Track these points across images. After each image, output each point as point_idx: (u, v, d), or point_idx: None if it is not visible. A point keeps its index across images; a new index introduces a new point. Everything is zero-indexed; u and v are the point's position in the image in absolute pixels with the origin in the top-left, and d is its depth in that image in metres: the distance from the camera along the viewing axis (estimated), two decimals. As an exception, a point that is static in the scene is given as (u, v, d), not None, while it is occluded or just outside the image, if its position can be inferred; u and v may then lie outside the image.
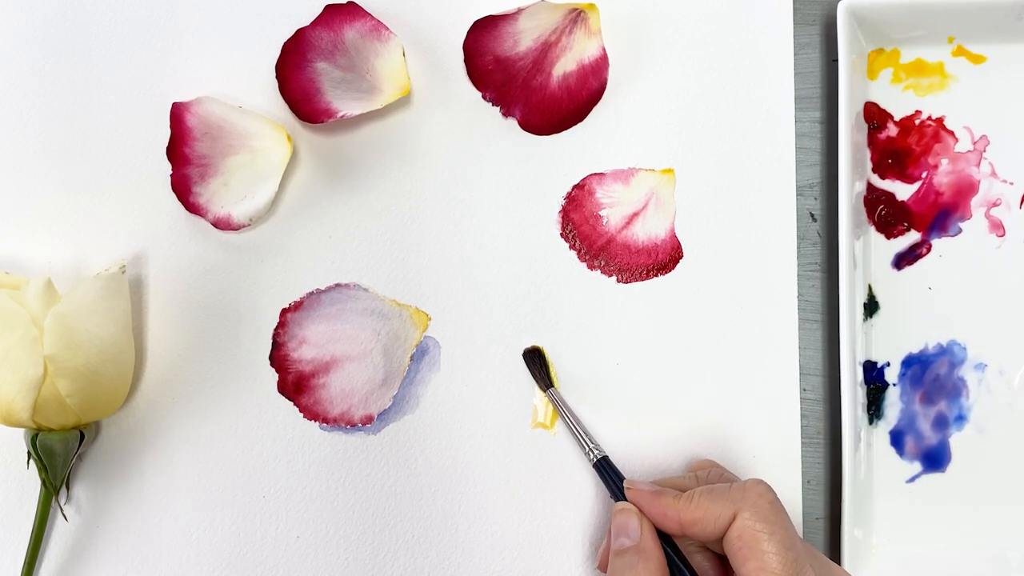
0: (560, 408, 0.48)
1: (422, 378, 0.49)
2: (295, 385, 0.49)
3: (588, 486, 0.49)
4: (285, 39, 0.49)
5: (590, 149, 0.50)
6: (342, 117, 0.48)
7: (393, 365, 0.49)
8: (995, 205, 0.50)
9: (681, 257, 0.50)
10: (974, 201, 0.50)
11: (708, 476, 0.44)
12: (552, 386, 0.48)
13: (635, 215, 0.50)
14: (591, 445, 0.46)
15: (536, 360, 0.49)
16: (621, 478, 0.45)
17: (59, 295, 0.45)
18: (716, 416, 0.49)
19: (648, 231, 0.50)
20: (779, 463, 0.49)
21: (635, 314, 0.49)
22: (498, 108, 0.50)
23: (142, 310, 0.49)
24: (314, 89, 0.49)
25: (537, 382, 0.49)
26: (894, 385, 0.50)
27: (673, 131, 0.50)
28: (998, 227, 0.50)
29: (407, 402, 0.49)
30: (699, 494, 0.41)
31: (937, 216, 0.50)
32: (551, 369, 0.49)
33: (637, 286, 0.50)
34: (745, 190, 0.50)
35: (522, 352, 0.49)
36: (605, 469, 0.46)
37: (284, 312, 0.49)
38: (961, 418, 0.50)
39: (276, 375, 0.49)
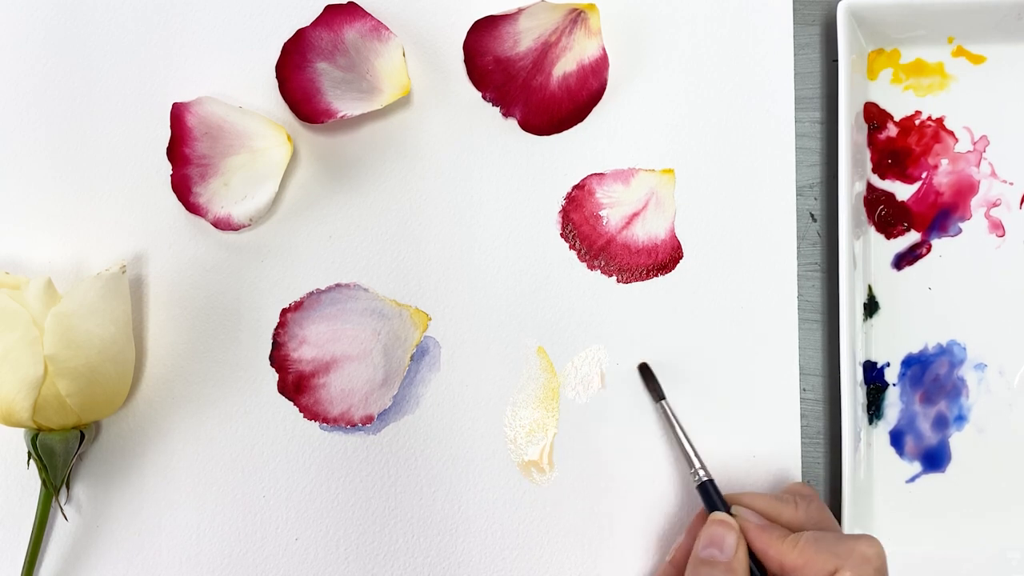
0: (674, 422, 0.47)
1: (422, 378, 0.49)
2: (295, 385, 0.49)
3: (588, 486, 0.49)
4: (285, 39, 0.49)
5: (590, 149, 0.50)
6: (342, 117, 0.48)
7: (393, 365, 0.49)
8: (995, 205, 0.50)
9: (681, 257, 0.50)
10: (974, 201, 0.50)
11: (810, 508, 0.43)
12: (664, 398, 0.48)
13: (635, 215, 0.50)
14: (699, 464, 0.46)
15: (649, 373, 0.48)
16: (725, 502, 0.44)
17: (59, 295, 0.45)
18: (716, 416, 0.49)
19: (648, 231, 0.50)
20: (779, 463, 0.49)
21: (635, 314, 0.49)
22: (498, 108, 0.50)
23: (142, 310, 0.49)
24: (314, 89, 0.49)
25: (651, 393, 0.48)
26: (894, 385, 0.50)
27: (673, 131, 0.50)
28: (998, 227, 0.50)
29: (407, 402, 0.49)
30: (805, 540, 0.41)
31: (937, 216, 0.50)
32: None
33: (637, 286, 0.50)
34: (745, 190, 0.50)
35: (638, 365, 0.49)
36: (709, 491, 0.45)
37: (284, 312, 0.49)
38: (961, 418, 0.50)
39: (276, 375, 0.49)
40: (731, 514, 0.44)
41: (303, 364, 0.49)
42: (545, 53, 0.50)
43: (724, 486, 0.48)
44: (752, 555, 0.42)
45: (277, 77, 0.49)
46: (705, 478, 0.45)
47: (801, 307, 0.50)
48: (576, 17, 0.49)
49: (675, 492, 0.49)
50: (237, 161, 0.49)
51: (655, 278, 0.50)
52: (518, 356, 0.49)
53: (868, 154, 0.50)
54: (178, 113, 0.49)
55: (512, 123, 0.50)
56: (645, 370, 0.49)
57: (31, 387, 0.43)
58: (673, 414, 0.47)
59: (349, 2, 0.49)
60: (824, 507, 0.44)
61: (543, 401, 0.49)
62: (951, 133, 0.50)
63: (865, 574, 0.39)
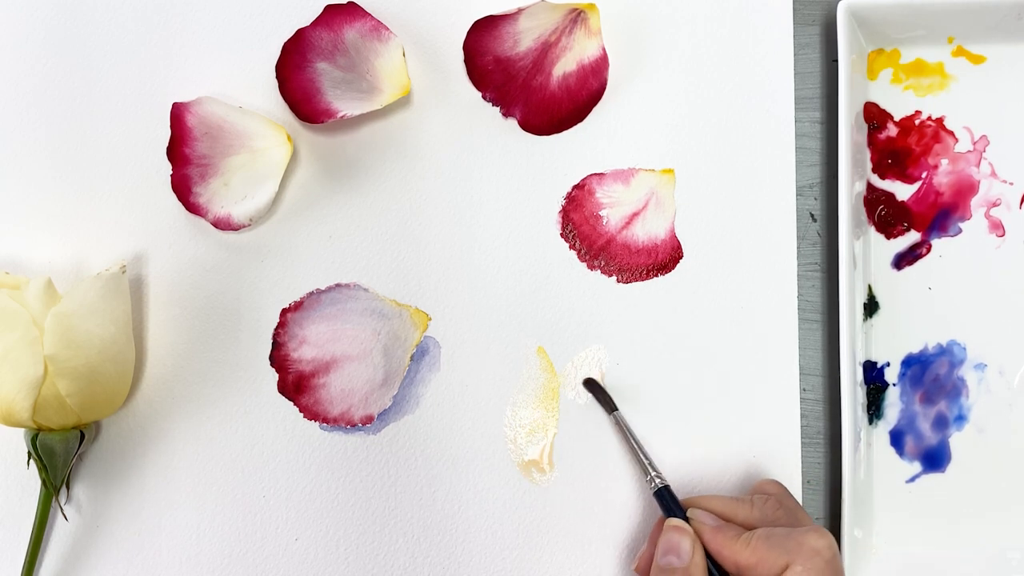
0: (626, 432, 0.47)
1: (422, 378, 0.49)
2: (295, 385, 0.49)
3: (588, 486, 0.49)
4: (285, 39, 0.49)
5: (590, 149, 0.50)
6: (342, 117, 0.48)
7: (393, 365, 0.49)
8: (995, 205, 0.50)
9: (681, 257, 0.50)
10: (974, 201, 0.50)
11: (765, 507, 0.44)
12: (616, 409, 0.48)
13: (635, 215, 0.50)
14: (654, 472, 0.46)
15: (597, 386, 0.48)
16: (681, 507, 0.45)
17: (59, 295, 0.45)
18: (716, 416, 0.49)
19: (648, 231, 0.50)
20: (779, 463, 0.49)
21: (635, 314, 0.49)
22: (498, 108, 0.50)
23: (142, 310, 0.49)
24: (314, 89, 0.49)
25: (603, 406, 0.48)
26: (894, 385, 0.50)
27: (673, 131, 0.50)
28: (998, 227, 0.50)
29: (407, 402, 0.49)
30: (757, 538, 0.41)
31: (937, 216, 0.50)
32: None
33: (637, 286, 0.50)
34: (745, 190, 0.50)
35: (582, 381, 0.49)
36: (665, 498, 0.45)
37: (284, 312, 0.49)
38: (961, 418, 0.50)
39: (276, 375, 0.49)
40: (687, 518, 0.44)
41: (303, 364, 0.49)
42: (545, 53, 0.50)
43: (724, 487, 0.48)
44: (711, 558, 0.43)
45: (277, 77, 0.49)
46: (661, 484, 0.45)
47: (801, 307, 0.50)
48: (576, 17, 0.49)
49: (675, 492, 0.49)
50: (237, 161, 0.49)
51: (655, 278, 0.50)
52: (518, 356, 0.49)
53: (868, 154, 0.50)
54: (178, 113, 0.49)
55: (512, 123, 0.50)
56: (592, 385, 0.49)
57: (31, 387, 0.43)
58: (626, 424, 0.48)
59: (349, 2, 0.49)
60: (784, 503, 0.44)
61: (543, 401, 0.49)
62: (951, 133, 0.50)
63: (816, 567, 0.40)
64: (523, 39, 0.49)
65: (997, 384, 0.49)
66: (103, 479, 0.49)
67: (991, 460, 0.49)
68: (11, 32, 0.50)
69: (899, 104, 0.50)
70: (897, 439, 0.50)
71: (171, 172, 0.49)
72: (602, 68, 0.49)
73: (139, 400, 0.49)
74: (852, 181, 0.49)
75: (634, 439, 0.47)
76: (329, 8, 0.49)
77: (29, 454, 0.46)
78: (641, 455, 0.46)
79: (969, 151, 0.50)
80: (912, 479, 0.49)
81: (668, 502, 0.45)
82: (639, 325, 0.49)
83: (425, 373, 0.49)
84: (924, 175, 0.50)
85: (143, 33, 0.50)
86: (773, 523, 0.43)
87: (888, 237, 0.50)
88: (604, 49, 0.49)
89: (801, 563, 0.40)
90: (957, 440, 0.49)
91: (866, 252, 0.50)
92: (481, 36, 0.50)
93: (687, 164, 0.50)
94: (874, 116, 0.50)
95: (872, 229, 0.50)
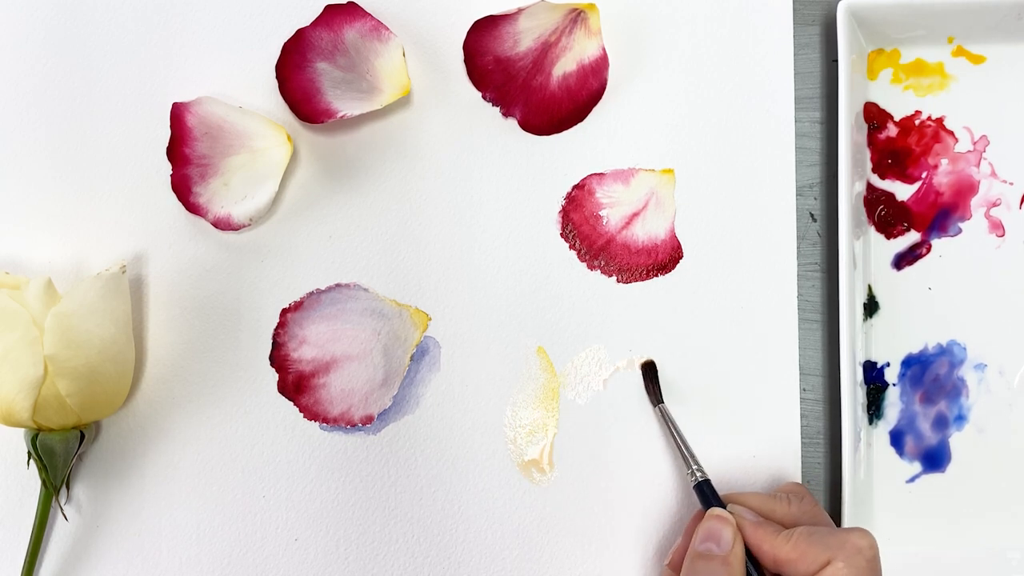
0: (670, 425, 0.47)
1: (422, 378, 0.49)
2: (295, 385, 0.49)
3: (588, 486, 0.49)
4: (285, 39, 0.49)
5: (590, 149, 0.50)
6: (342, 117, 0.48)
7: (393, 365, 0.49)
8: (995, 205, 0.50)
9: (681, 257, 0.50)
10: (974, 201, 0.50)
11: (803, 504, 0.44)
12: (663, 401, 0.48)
13: (635, 215, 0.50)
14: (696, 466, 0.46)
15: (651, 374, 0.48)
16: (721, 502, 0.45)
17: (59, 295, 0.45)
18: (716, 416, 0.49)
19: (648, 231, 0.50)
20: (779, 463, 0.49)
21: (635, 314, 0.49)
22: (498, 108, 0.50)
23: (142, 310, 0.49)
24: (314, 89, 0.49)
25: (649, 396, 0.48)
26: (894, 385, 0.50)
27: (673, 131, 0.50)
28: (998, 227, 0.50)
29: (407, 402, 0.49)
30: (798, 535, 0.41)
31: (937, 216, 0.50)
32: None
33: (637, 286, 0.50)
34: (745, 190, 0.50)
35: (640, 364, 0.49)
36: (706, 492, 0.45)
37: (284, 312, 0.49)
38: (961, 418, 0.50)
39: (276, 375, 0.49)
40: (730, 510, 0.44)
41: (303, 364, 0.49)
42: (545, 53, 0.50)
43: (724, 486, 0.48)
44: (748, 552, 0.43)
45: (277, 77, 0.49)
46: (702, 478, 0.45)
47: (801, 307, 0.50)
48: (576, 17, 0.49)
49: (675, 492, 0.49)
50: (237, 161, 0.49)
51: (655, 278, 0.50)
52: (518, 356, 0.49)
53: (868, 154, 0.50)
54: (178, 113, 0.49)
55: (512, 123, 0.50)
56: (649, 371, 0.49)
57: (31, 387, 0.43)
58: (670, 418, 0.48)
59: (349, 2, 0.49)
60: (816, 504, 0.45)
61: (543, 401, 0.49)
62: (951, 133, 0.50)
63: (857, 564, 0.40)
64: (523, 39, 0.49)
65: (997, 384, 0.49)
66: (103, 479, 0.49)
67: (991, 460, 0.49)
68: (11, 32, 0.50)
69: (899, 104, 0.50)
70: (897, 439, 0.50)
71: (171, 172, 0.49)
72: (602, 68, 0.49)
73: (139, 400, 0.49)
74: (852, 181, 0.49)
75: (677, 432, 0.47)
76: (329, 8, 0.49)
77: (29, 454, 0.46)
78: (683, 448, 0.47)
79: (969, 151, 0.50)
80: (912, 479, 0.49)
81: (708, 495, 0.45)
82: (639, 325, 0.49)
83: (425, 373, 0.49)
84: (924, 175, 0.50)
85: (143, 33, 0.50)
86: (811, 521, 0.43)
87: (888, 237, 0.50)
88: (604, 49, 0.49)
89: (843, 559, 0.40)
90: (957, 440, 0.49)
91: (866, 252, 0.50)
92: (481, 36, 0.50)
93: (687, 164, 0.50)
94: (874, 116, 0.50)
95: (872, 229, 0.50)
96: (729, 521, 0.43)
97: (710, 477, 0.46)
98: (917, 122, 0.50)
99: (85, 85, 0.50)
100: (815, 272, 0.50)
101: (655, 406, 0.48)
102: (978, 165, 0.50)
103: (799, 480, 0.49)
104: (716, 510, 0.44)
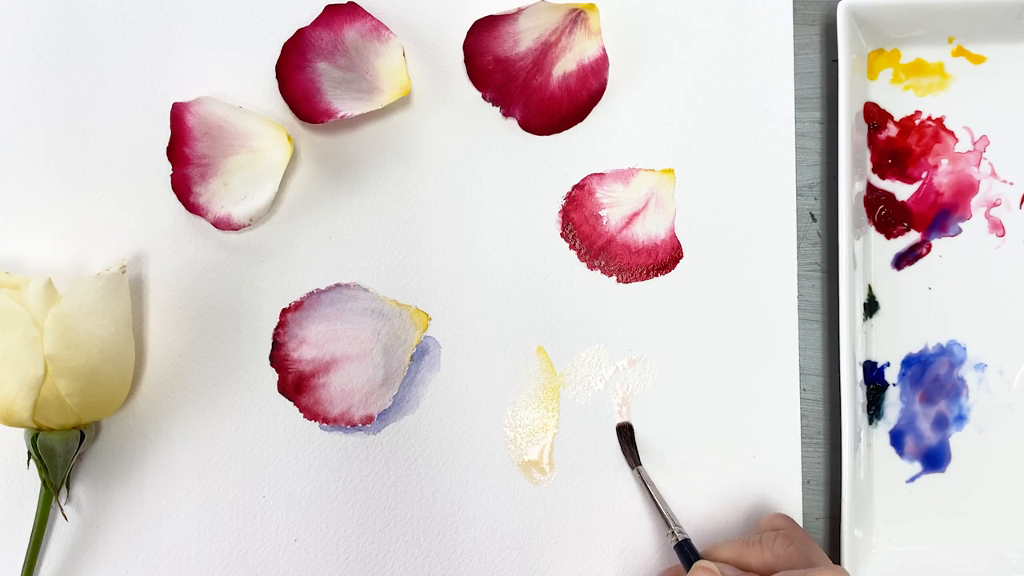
0: (649, 487, 0.47)
1: (422, 378, 0.49)
2: (295, 385, 0.49)
3: (588, 486, 0.49)
4: (285, 39, 0.49)
5: (590, 149, 0.50)
6: (342, 117, 0.48)
7: (393, 365, 0.49)
8: (995, 205, 0.50)
9: (681, 257, 0.50)
10: (974, 201, 0.50)
11: (776, 545, 0.44)
12: (640, 464, 0.48)
13: (635, 215, 0.50)
14: (676, 527, 0.46)
15: (628, 436, 0.48)
16: (700, 558, 0.45)
17: (59, 295, 0.45)
18: (716, 416, 0.49)
19: (648, 231, 0.50)
20: (779, 463, 0.49)
21: (635, 314, 0.49)
22: (498, 108, 0.50)
23: (142, 310, 0.49)
24: (314, 89, 0.49)
25: (627, 458, 0.48)
26: (894, 385, 0.50)
27: (673, 131, 0.50)
28: (998, 227, 0.50)
29: (407, 402, 0.49)
30: None
31: (937, 216, 0.50)
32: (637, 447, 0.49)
33: (637, 286, 0.50)
34: (745, 190, 0.50)
35: (616, 426, 0.49)
36: (685, 550, 0.45)
37: (284, 312, 0.49)
38: (961, 418, 0.50)
39: (276, 375, 0.49)
40: (704, 567, 0.44)
41: (303, 364, 0.49)
42: (545, 53, 0.50)
43: (724, 487, 0.48)
44: None
45: (277, 77, 0.49)
46: (681, 538, 0.45)
47: (801, 307, 0.50)
48: (576, 17, 0.49)
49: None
50: (237, 161, 0.49)
51: (655, 278, 0.50)
52: (518, 356, 0.49)
53: (868, 154, 0.50)
54: (178, 113, 0.49)
55: (512, 123, 0.50)
56: (625, 433, 0.49)
57: (31, 387, 0.43)
58: (649, 480, 0.48)
59: (349, 2, 0.49)
60: (794, 538, 0.44)
61: (543, 401, 0.49)
62: (951, 133, 0.50)
63: None
64: (523, 39, 0.49)
65: (997, 384, 0.49)
66: (103, 479, 0.49)
67: (991, 460, 0.49)
68: (11, 32, 0.50)
69: (899, 104, 0.50)
70: (897, 439, 0.50)
71: (171, 172, 0.49)
72: (602, 68, 0.49)
73: (139, 400, 0.49)
74: (852, 181, 0.49)
75: (657, 494, 0.47)
76: (329, 8, 0.49)
77: (29, 454, 0.46)
78: (663, 510, 0.47)
79: (969, 151, 0.50)
80: (912, 479, 0.49)
81: (689, 555, 0.45)
82: (639, 325, 0.49)
83: (425, 373, 0.49)
84: (924, 175, 0.50)
85: (143, 33, 0.50)
86: (787, 562, 0.43)
87: (888, 237, 0.50)
88: (604, 49, 0.49)
89: None
90: (957, 440, 0.49)
91: (866, 252, 0.50)
92: (481, 36, 0.50)
93: (687, 164, 0.50)
94: (874, 116, 0.50)
95: (872, 229, 0.50)
96: (714, 572, 0.43)
97: (691, 535, 0.46)
98: (917, 122, 0.50)
99: (85, 85, 0.50)
100: (815, 272, 0.50)
101: (632, 468, 0.48)
102: (978, 165, 0.50)
103: (799, 480, 0.49)
104: (703, 563, 0.43)
